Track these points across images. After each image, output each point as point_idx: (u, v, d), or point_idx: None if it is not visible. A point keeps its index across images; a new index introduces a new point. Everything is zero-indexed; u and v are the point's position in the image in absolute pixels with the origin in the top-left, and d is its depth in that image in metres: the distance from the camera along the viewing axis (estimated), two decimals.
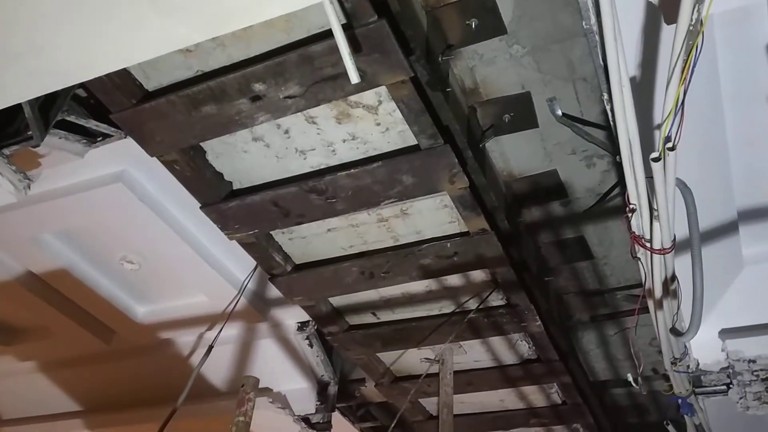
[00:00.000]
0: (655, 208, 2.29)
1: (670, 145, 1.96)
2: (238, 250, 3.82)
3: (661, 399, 5.78)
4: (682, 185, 2.26)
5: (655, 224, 2.37)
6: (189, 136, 2.87)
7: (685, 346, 3.45)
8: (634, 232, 2.52)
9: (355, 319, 4.03)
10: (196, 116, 2.77)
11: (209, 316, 4.55)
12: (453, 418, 3.81)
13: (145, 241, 4.05)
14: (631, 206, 2.42)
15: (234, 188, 3.27)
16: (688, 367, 3.54)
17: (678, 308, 2.72)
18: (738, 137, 2.96)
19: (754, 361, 3.60)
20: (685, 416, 3.97)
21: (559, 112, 3.56)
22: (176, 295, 4.55)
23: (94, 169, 3.60)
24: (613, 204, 4.08)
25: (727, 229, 3.34)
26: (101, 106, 3.05)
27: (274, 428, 4.96)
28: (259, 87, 2.64)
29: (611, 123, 2.63)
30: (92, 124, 3.26)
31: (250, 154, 3.08)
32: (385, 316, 3.97)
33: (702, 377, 3.91)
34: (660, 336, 3.13)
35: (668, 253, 2.47)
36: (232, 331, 4.56)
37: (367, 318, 4.00)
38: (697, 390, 3.88)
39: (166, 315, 4.70)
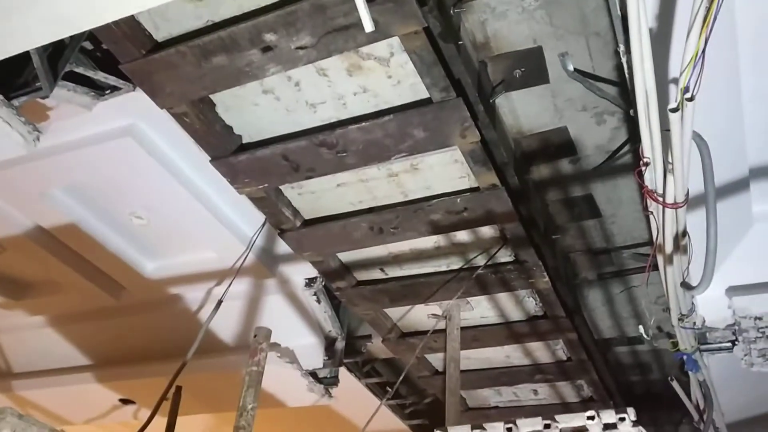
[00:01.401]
0: (670, 161, 2.28)
1: (688, 95, 1.94)
2: (247, 206, 3.83)
3: (663, 357, 5.86)
4: (698, 138, 2.24)
5: (669, 178, 2.36)
6: (199, 88, 2.85)
7: (692, 303, 3.47)
8: (646, 186, 2.51)
9: (363, 275, 4.05)
10: (206, 67, 2.74)
11: (218, 271, 4.57)
12: (460, 372, 3.87)
13: (154, 196, 4.05)
14: (645, 160, 2.41)
15: (244, 142, 3.26)
16: (695, 323, 3.56)
17: (688, 263, 2.72)
18: (754, 93, 2.93)
19: (760, 318, 3.62)
20: (690, 372, 4.00)
21: (571, 68, 3.52)
22: (185, 250, 4.57)
23: (102, 123, 3.58)
24: (622, 162, 4.06)
25: (739, 185, 3.33)
26: (109, 60, 3.03)
27: (282, 382, 5.04)
28: (270, 37, 2.61)
29: (627, 76, 2.60)
30: (101, 76, 3.24)
31: (260, 107, 3.06)
32: (393, 272, 3.99)
33: (707, 334, 3.94)
34: (668, 291, 3.14)
35: (681, 207, 2.46)
36: (240, 286, 4.58)
37: (376, 274, 4.02)
38: (702, 347, 3.92)
39: (175, 270, 4.72)
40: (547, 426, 1.64)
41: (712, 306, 3.70)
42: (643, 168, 2.41)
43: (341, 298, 4.13)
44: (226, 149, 3.20)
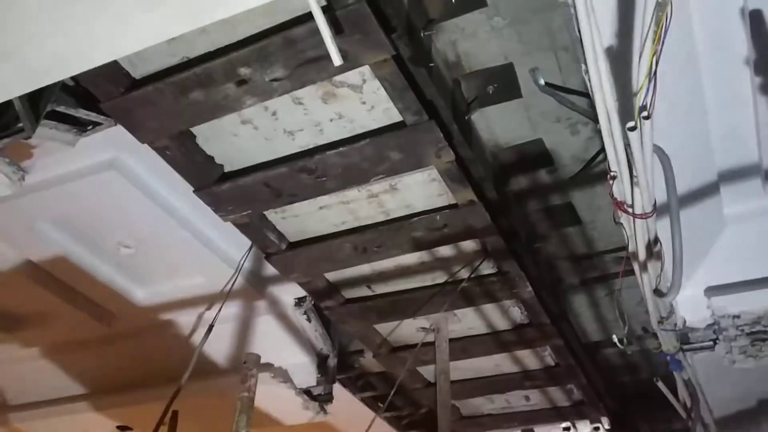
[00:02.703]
0: (635, 174, 2.36)
1: (645, 114, 2.02)
2: (233, 230, 3.89)
3: (652, 357, 5.94)
4: (659, 152, 2.33)
5: (636, 190, 2.44)
6: (178, 122, 2.93)
7: (671, 305, 3.56)
8: (616, 198, 2.59)
9: (350, 293, 4.12)
10: (184, 102, 2.82)
11: (207, 295, 4.61)
12: (450, 384, 3.93)
13: (140, 225, 4.11)
14: (612, 173, 2.49)
15: (226, 170, 3.33)
16: (675, 325, 3.64)
17: (662, 269, 2.80)
18: (717, 100, 3.03)
19: (738, 317, 3.70)
20: (674, 372, 4.08)
21: (542, 82, 3.61)
22: (173, 276, 4.62)
23: (86, 158, 3.63)
24: (598, 169, 4.15)
25: (709, 189, 3.42)
26: (90, 94, 3.10)
27: (277, 402, 5.09)
28: (244, 71, 2.68)
29: (590, 93, 2.68)
30: (82, 113, 3.29)
31: (239, 137, 3.14)
32: (380, 288, 4.06)
33: (689, 334, 4.02)
34: (646, 297, 3.23)
35: (649, 217, 2.54)
36: (231, 309, 4.63)
37: (363, 291, 4.09)
38: (684, 347, 4.00)
39: (165, 296, 4.78)
40: None
41: (692, 306, 3.79)
42: (611, 181, 2.49)
43: (330, 316, 4.20)
44: (209, 179, 3.27)
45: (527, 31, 3.39)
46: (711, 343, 4.01)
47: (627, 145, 2.36)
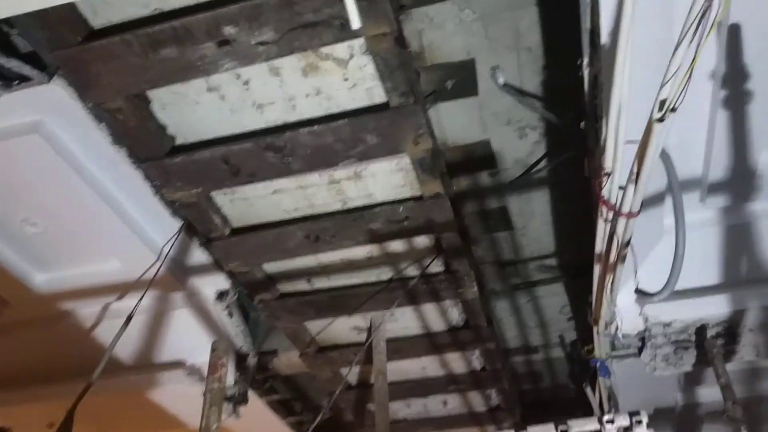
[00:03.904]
0: (634, 171, 2.37)
1: (671, 106, 2.02)
2: (159, 212, 3.59)
3: (555, 365, 6.12)
4: (663, 152, 2.35)
5: (630, 188, 2.45)
6: (141, 82, 2.62)
7: (614, 312, 3.64)
8: (603, 196, 2.60)
9: (288, 287, 3.90)
10: (153, 59, 2.53)
11: (119, 284, 4.21)
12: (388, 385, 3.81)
13: (57, 199, 3.65)
14: (606, 170, 2.49)
15: (177, 143, 3.04)
16: (617, 330, 3.73)
17: (635, 272, 2.85)
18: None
19: (669, 325, 3.85)
20: (601, 378, 4.19)
21: (502, 81, 3.61)
22: (84, 260, 4.15)
23: (5, 116, 3.19)
24: (538, 176, 4.21)
25: (655, 199, 3.54)
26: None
27: (186, 403, 4.71)
28: (229, 30, 2.45)
29: (586, 89, 2.69)
30: (14, 64, 2.88)
31: (201, 106, 2.87)
32: (321, 283, 3.87)
33: (616, 341, 4.14)
34: (600, 300, 3.28)
35: (635, 216, 2.57)
36: (144, 300, 4.24)
37: (302, 285, 3.88)
38: (612, 353, 4.12)
39: (70, 283, 4.28)
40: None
41: (626, 314, 3.90)
42: (604, 178, 2.49)
43: (264, 311, 3.94)
44: (159, 151, 2.96)
45: (495, 28, 3.37)
46: (636, 350, 4.16)
47: (630, 142, 2.38)
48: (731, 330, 3.82)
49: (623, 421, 1.63)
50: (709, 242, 3.62)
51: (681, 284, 3.84)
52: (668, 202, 3.59)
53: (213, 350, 2.63)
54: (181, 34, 2.44)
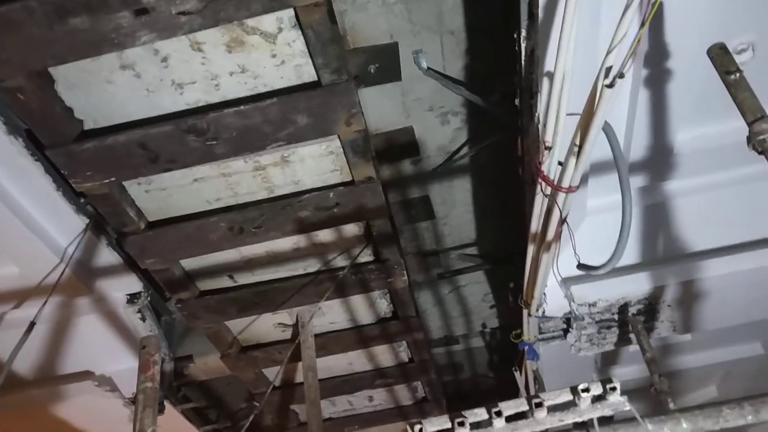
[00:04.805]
0: (576, 144, 2.35)
1: (619, 73, 2.00)
2: (62, 210, 3.30)
3: (475, 356, 6.16)
4: (605, 125, 2.34)
5: (571, 161, 2.43)
6: (45, 56, 2.35)
7: (543, 294, 3.65)
8: (542, 171, 2.57)
9: (208, 284, 3.67)
10: (59, 30, 2.27)
11: (18, 291, 3.84)
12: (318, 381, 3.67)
13: None
14: (547, 144, 2.46)
15: (86, 128, 2.77)
16: (544, 313, 3.75)
17: (574, 249, 2.84)
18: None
19: (594, 305, 3.91)
20: (528, 361, 4.21)
21: (425, 65, 3.55)
22: None
23: None
24: (459, 163, 4.19)
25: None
26: None
27: (98, 415, 4.38)
28: None
29: (523, 63, 2.65)
30: None
31: (114, 86, 2.62)
32: (244, 278, 3.66)
33: (543, 324, 4.18)
34: (535, 280, 3.27)
35: (574, 191, 2.56)
36: (46, 308, 3.88)
37: (223, 282, 3.66)
38: (539, 336, 4.15)
39: None
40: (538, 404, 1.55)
41: (551, 296, 3.93)
42: (545, 152, 2.46)
43: (182, 311, 3.69)
44: (67, 136, 2.68)
45: (418, 10, 3.31)
46: (562, 332, 4.21)
47: (570, 114, 2.36)
48: (651, 306, 3.93)
49: (597, 389, 1.57)
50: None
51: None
52: (591, 183, 3.66)
53: (143, 347, 2.39)
54: (93, 2, 2.21)
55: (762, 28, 2.85)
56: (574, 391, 1.60)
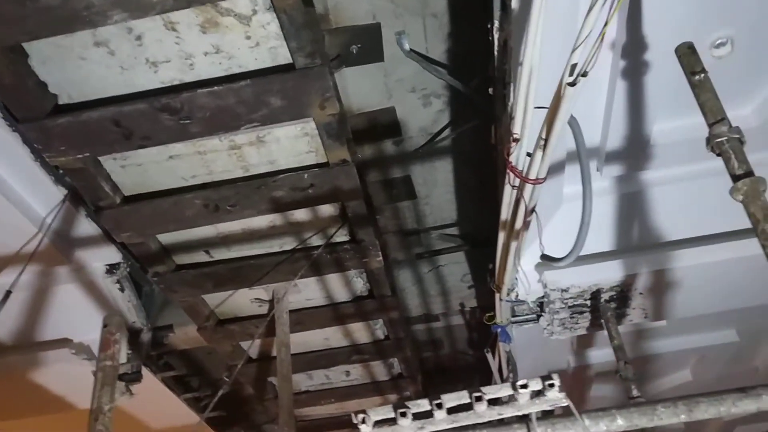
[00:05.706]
0: (543, 137, 2.37)
1: (582, 71, 2.02)
2: (40, 181, 3.32)
3: (455, 332, 6.24)
4: (570, 118, 2.36)
5: (538, 154, 2.45)
6: (18, 32, 2.35)
7: (516, 278, 3.70)
8: (510, 162, 2.59)
9: (185, 259, 3.70)
10: (31, 7, 2.27)
11: None
12: (290, 356, 3.73)
13: None
14: (515, 135, 2.48)
15: (60, 102, 2.77)
16: (517, 296, 3.80)
17: (540, 239, 2.88)
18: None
19: (566, 290, 3.96)
20: (501, 343, 4.27)
21: (407, 47, 3.55)
22: None
23: None
24: (441, 145, 4.21)
25: (556, 167, 3.61)
26: None
27: (74, 383, 4.44)
28: None
29: (496, 54, 2.66)
30: None
31: (88, 62, 2.62)
32: (221, 254, 3.70)
33: (516, 307, 4.23)
34: (504, 266, 3.32)
35: (541, 183, 2.58)
36: (25, 276, 3.92)
37: (200, 257, 3.70)
38: (512, 319, 4.20)
39: None
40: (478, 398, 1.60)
41: (527, 281, 3.98)
42: (513, 144, 2.48)
43: (159, 284, 3.73)
44: (40, 111, 2.69)
45: None
46: (535, 316, 4.27)
47: (538, 107, 2.37)
48: (623, 294, 3.98)
49: (536, 385, 1.62)
50: (605, 210, 3.73)
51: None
52: (568, 170, 3.68)
53: (104, 326, 2.44)
54: None
55: (740, 22, 2.86)
56: (513, 386, 1.65)
